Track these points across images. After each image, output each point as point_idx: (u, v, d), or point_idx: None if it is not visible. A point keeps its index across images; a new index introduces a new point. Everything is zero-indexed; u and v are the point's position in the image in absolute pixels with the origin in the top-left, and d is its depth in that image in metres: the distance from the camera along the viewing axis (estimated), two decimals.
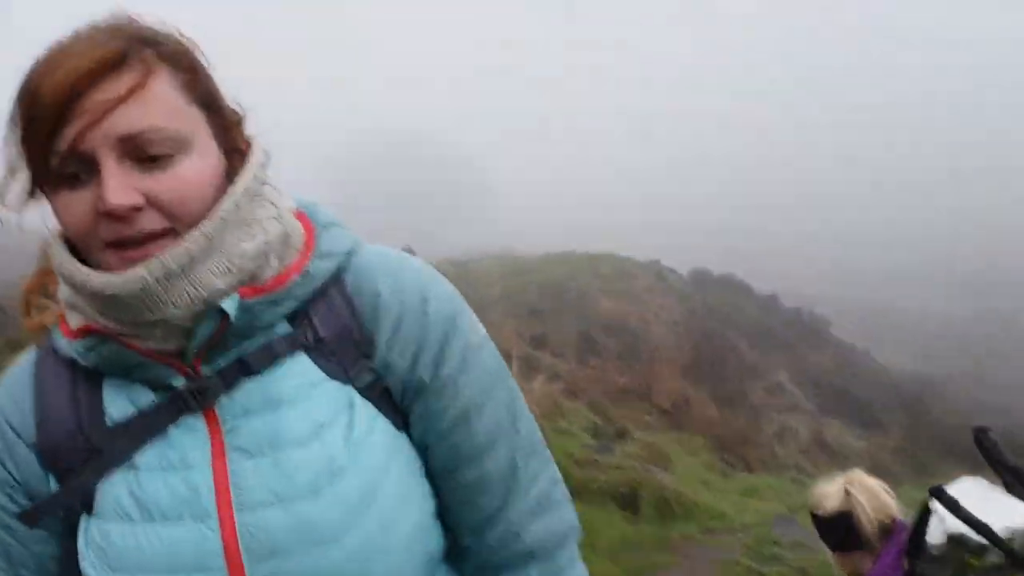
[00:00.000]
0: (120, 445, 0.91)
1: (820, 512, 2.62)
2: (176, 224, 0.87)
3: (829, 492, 2.64)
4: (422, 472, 0.99)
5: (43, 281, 1.00)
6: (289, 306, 0.94)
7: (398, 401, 0.97)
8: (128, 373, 0.94)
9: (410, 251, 1.12)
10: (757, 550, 8.40)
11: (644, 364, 16.77)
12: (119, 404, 0.93)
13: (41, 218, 0.93)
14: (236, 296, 0.89)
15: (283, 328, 0.95)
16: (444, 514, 1.01)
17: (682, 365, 18.27)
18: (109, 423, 0.93)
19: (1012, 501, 2.17)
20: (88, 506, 0.91)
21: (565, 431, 11.05)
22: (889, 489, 2.64)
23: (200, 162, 0.90)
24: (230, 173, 0.93)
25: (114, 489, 0.90)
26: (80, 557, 0.91)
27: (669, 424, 13.39)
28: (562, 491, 1.05)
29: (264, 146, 0.99)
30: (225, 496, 0.89)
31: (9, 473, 0.95)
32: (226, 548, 0.88)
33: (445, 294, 1.01)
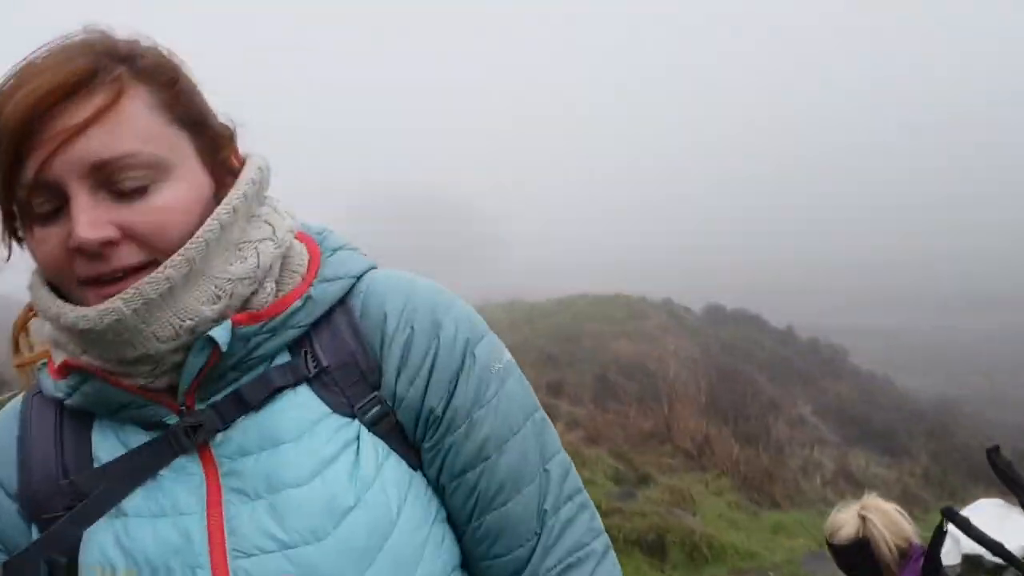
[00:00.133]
0: (107, 490, 0.83)
1: (836, 541, 2.63)
2: (157, 256, 0.80)
3: (845, 520, 2.65)
4: (441, 517, 0.91)
5: (31, 317, 0.94)
6: (290, 334, 0.87)
7: (411, 437, 0.90)
8: (117, 413, 0.86)
9: None
10: None
11: (663, 406, 16.64)
12: (108, 446, 0.86)
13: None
14: (228, 324, 0.82)
15: (283, 358, 0.88)
16: (468, 565, 0.93)
17: (701, 404, 18.11)
18: (97, 466, 0.85)
19: None
20: (72, 557, 0.82)
21: (588, 481, 10.91)
22: (904, 512, 2.65)
23: (182, 187, 0.82)
24: (222, 195, 0.86)
25: (100, 538, 0.82)
26: None
27: (692, 465, 13.24)
28: (602, 543, 0.95)
29: (261, 162, 0.91)
30: (220, 544, 0.81)
31: None
32: None
33: (461, 317, 0.93)
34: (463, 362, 0.90)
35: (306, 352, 0.88)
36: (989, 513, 2.20)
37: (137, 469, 0.84)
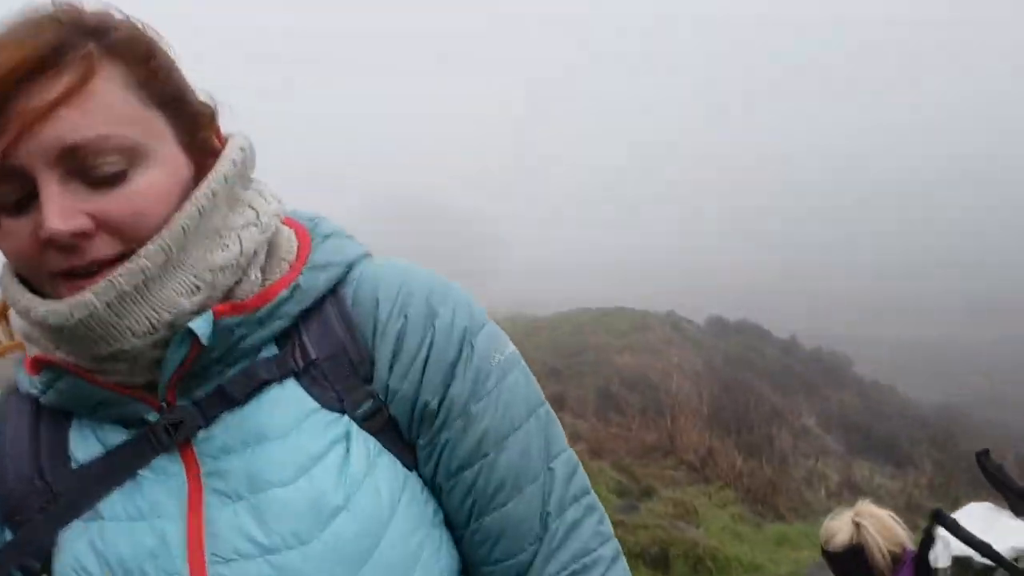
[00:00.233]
0: (83, 491, 0.79)
1: (831, 548, 2.65)
2: (134, 247, 0.75)
3: (839, 527, 2.67)
4: (439, 520, 0.85)
5: (6, 309, 0.87)
6: (277, 325, 0.82)
7: (405, 433, 0.84)
8: (94, 410, 0.81)
9: None
10: None
11: (666, 418, 16.62)
12: (86, 445, 0.81)
13: None
14: (209, 315, 0.77)
15: (270, 351, 0.83)
16: (468, 571, 0.88)
17: (705, 416, 18.09)
18: (74, 466, 0.81)
19: (1017, 522, 2.21)
20: (46, 562, 0.78)
21: None
22: (898, 518, 2.67)
23: (160, 172, 0.77)
24: (203, 179, 0.80)
25: (74, 542, 0.78)
26: None
27: (696, 478, 13.21)
28: (611, 549, 0.88)
29: (244, 142, 0.85)
30: (199, 548, 0.76)
31: None
32: None
33: (459, 305, 0.87)
34: (460, 353, 0.84)
35: (294, 344, 0.83)
36: (978, 516, 2.22)
37: (115, 469, 0.79)
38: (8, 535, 0.81)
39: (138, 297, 0.74)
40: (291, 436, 0.79)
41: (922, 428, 26.37)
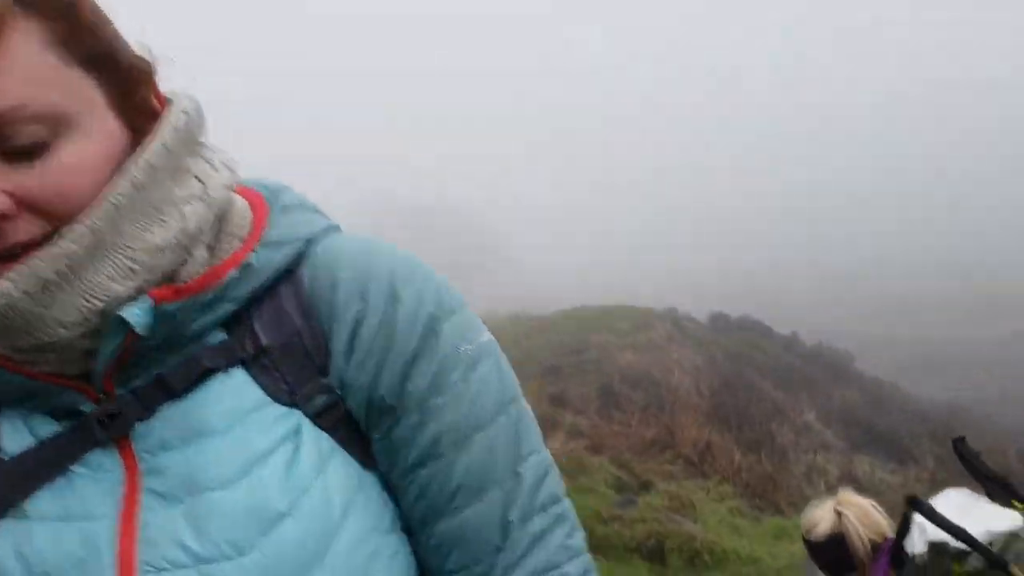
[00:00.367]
0: (10, 487, 0.71)
1: (813, 537, 2.66)
2: (61, 228, 0.67)
3: (821, 516, 2.69)
4: (397, 526, 0.79)
5: None
6: (225, 309, 0.75)
7: (363, 430, 0.77)
8: (23, 401, 0.74)
9: None
10: None
11: (667, 415, 16.64)
12: (17, 436, 0.73)
13: None
14: (147, 301, 0.69)
15: (218, 337, 0.75)
16: None
17: (705, 412, 18.11)
18: (4, 458, 0.73)
19: (993, 507, 2.23)
20: None
21: (589, 488, 10.95)
22: (880, 508, 2.68)
23: (88, 142, 0.69)
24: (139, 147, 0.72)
25: None
26: None
27: (694, 472, 13.24)
28: (579, 566, 0.80)
29: (188, 103, 0.76)
30: (130, 556, 0.68)
31: None
32: None
33: (425, 288, 0.79)
34: (423, 342, 0.77)
35: (245, 330, 0.76)
36: (955, 502, 2.24)
37: (45, 464, 0.71)
38: None
39: (64, 284, 0.67)
40: (235, 431, 0.72)
41: (923, 424, 26.35)
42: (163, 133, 0.72)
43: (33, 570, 0.68)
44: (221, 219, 0.77)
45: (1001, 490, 2.29)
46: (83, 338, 0.70)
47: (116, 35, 0.73)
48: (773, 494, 12.68)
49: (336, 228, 0.84)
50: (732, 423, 17.61)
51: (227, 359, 0.74)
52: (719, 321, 40.13)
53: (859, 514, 2.62)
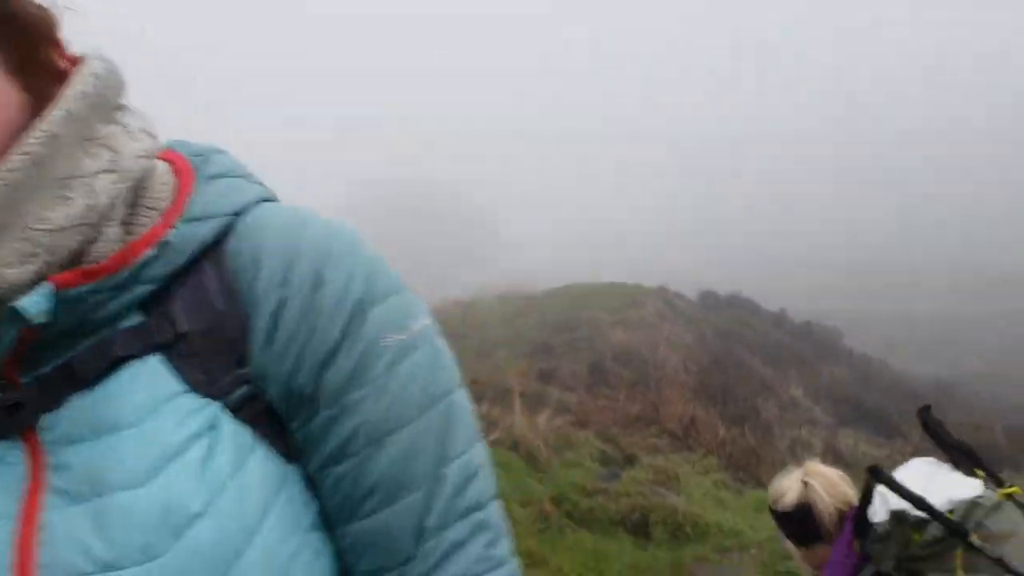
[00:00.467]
0: None
1: (779, 507, 2.65)
2: None
3: (787, 486, 2.67)
4: (321, 523, 0.73)
5: None
6: (140, 291, 0.68)
7: (286, 423, 0.72)
8: None
9: None
10: (771, 566, 8.30)
11: (653, 391, 16.71)
12: None
13: None
14: (48, 287, 0.63)
15: (133, 319, 0.69)
16: None
17: (692, 388, 18.20)
18: None
19: (956, 476, 2.21)
20: None
21: (574, 463, 11.00)
22: (847, 478, 2.67)
23: None
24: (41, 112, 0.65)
25: None
26: None
27: (679, 446, 13.31)
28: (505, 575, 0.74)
29: (99, 65, 0.69)
30: (29, 560, 0.63)
31: None
32: None
33: (355, 270, 0.72)
34: (347, 329, 0.70)
35: (162, 313, 0.69)
36: (918, 471, 2.22)
37: None
38: None
39: None
40: (147, 425, 0.66)
41: (911, 400, 26.57)
42: (68, 99, 0.65)
43: None
44: (138, 191, 0.70)
45: (965, 458, 2.28)
46: None
47: None
48: (756, 467, 12.76)
49: (268, 197, 0.77)
50: (718, 398, 17.71)
51: (142, 345, 0.68)
52: (709, 299, 40.26)
53: (825, 484, 2.60)
